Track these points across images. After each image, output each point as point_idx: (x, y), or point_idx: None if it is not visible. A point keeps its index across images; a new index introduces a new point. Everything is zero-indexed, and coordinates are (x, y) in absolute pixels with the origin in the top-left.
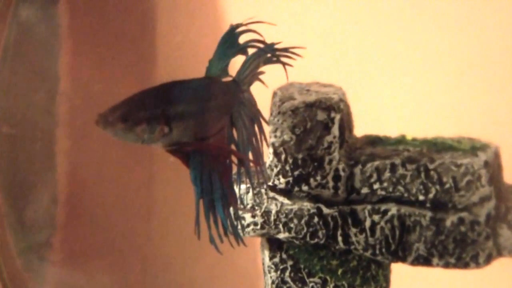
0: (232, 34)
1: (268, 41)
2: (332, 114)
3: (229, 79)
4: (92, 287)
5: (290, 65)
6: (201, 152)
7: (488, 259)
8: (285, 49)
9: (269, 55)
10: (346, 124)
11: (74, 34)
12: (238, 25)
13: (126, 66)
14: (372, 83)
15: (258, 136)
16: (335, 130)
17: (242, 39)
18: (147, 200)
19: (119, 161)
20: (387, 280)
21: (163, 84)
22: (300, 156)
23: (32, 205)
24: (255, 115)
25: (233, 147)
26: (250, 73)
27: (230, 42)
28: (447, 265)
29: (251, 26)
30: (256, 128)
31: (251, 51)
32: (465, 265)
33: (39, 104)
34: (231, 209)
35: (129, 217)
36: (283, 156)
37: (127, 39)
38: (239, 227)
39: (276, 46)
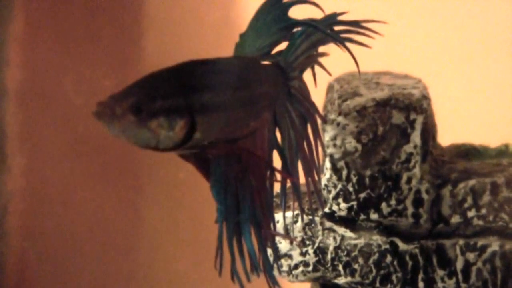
0: (278, 3)
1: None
2: (412, 116)
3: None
4: None
5: (367, 46)
6: (229, 158)
7: None
8: (356, 23)
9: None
10: (430, 130)
11: (30, 16)
12: None
13: (103, 49)
14: (458, 74)
15: (313, 142)
16: (416, 137)
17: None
18: (133, 228)
19: (92, 175)
20: None
21: (182, 64)
22: (368, 172)
23: None
24: (308, 112)
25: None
26: (302, 54)
27: (275, 14)
28: None
29: None
30: (310, 131)
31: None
32: None
33: None
34: (265, 236)
35: (109, 250)
36: (344, 173)
37: (103, 16)
38: (275, 261)
39: (341, 18)
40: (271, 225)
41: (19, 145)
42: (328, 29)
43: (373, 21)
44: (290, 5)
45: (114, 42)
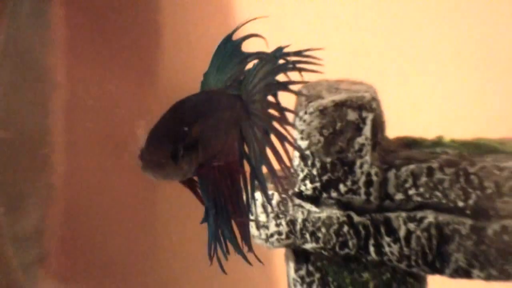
0: (230, 42)
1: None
2: (364, 114)
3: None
4: None
5: (316, 71)
6: (211, 173)
7: None
8: (299, 53)
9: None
10: (379, 125)
11: (70, 31)
12: (234, 31)
13: (126, 61)
14: (401, 79)
15: (281, 147)
16: (367, 131)
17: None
18: (149, 210)
19: (118, 167)
20: None
21: (175, 105)
22: (329, 159)
23: (25, 217)
24: (271, 127)
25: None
26: (260, 82)
27: (230, 52)
28: (488, 277)
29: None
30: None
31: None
32: (508, 277)
33: (33, 107)
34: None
35: (129, 229)
36: (310, 160)
37: (127, 34)
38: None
39: (286, 50)
40: (243, 215)
41: (61, 145)
42: (278, 60)
43: (313, 49)
44: (240, 41)
45: (142, 52)
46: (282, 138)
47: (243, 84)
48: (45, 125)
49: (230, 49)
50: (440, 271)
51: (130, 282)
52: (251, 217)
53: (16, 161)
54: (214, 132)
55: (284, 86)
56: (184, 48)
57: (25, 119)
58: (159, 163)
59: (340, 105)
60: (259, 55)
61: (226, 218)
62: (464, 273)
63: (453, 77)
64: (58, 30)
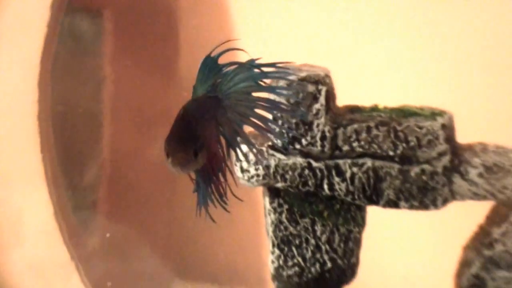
0: (209, 59)
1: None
2: (320, 87)
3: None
4: (129, 234)
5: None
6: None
7: (444, 202)
8: (272, 64)
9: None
10: (331, 96)
11: (115, 37)
12: (211, 53)
13: (154, 60)
14: (350, 63)
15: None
16: (322, 99)
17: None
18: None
19: (149, 135)
20: (363, 219)
21: (182, 114)
22: (293, 121)
23: (83, 170)
24: (241, 115)
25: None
26: (236, 84)
27: (209, 66)
28: (411, 207)
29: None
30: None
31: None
32: (426, 207)
33: (88, 90)
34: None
35: (157, 179)
36: (280, 121)
37: (155, 40)
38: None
39: (258, 62)
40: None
41: (108, 120)
42: (250, 68)
43: (281, 62)
44: (217, 57)
45: (166, 56)
46: (261, 120)
47: (219, 86)
48: (98, 105)
49: (210, 64)
50: (376, 203)
51: (159, 217)
52: (235, 167)
53: (76, 131)
54: (206, 128)
55: (259, 88)
56: (197, 52)
57: (83, 100)
58: (185, 161)
59: (302, 80)
60: (232, 64)
61: (209, 187)
62: (393, 204)
63: (386, 60)
64: (107, 39)
